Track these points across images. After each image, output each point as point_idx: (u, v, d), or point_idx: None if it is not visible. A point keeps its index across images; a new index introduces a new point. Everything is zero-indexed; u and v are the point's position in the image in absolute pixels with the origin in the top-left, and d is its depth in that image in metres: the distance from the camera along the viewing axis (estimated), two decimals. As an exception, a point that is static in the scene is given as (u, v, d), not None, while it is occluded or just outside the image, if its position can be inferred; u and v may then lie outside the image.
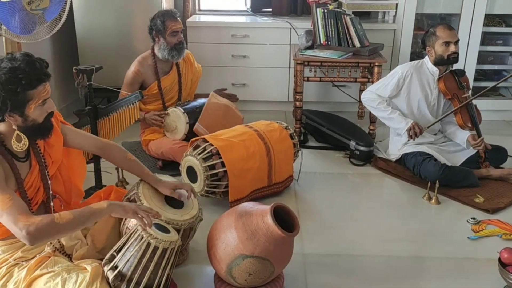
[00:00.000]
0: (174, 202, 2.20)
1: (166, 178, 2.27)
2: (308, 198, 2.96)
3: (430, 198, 2.89)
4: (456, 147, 3.26)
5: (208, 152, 2.67)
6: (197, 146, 2.73)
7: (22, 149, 1.83)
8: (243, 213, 2.00)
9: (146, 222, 1.87)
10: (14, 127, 1.79)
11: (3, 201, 1.68)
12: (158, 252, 1.86)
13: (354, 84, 4.06)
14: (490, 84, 3.59)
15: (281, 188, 2.94)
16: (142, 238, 1.87)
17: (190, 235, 2.21)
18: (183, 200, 2.21)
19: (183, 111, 3.12)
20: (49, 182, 1.94)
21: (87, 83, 2.71)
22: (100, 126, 2.78)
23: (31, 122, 1.80)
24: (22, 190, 1.83)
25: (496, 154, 3.24)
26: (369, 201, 2.97)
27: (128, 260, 1.85)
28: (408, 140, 3.17)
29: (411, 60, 4.01)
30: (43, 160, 1.92)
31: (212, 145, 2.68)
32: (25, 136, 1.82)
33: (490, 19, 4.11)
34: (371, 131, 3.75)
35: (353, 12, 4.06)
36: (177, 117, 3.15)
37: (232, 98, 3.54)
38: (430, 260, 2.40)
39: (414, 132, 3.11)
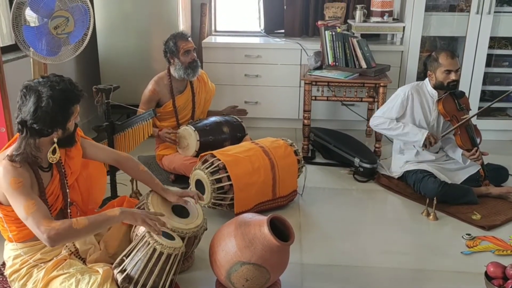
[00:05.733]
0: (181, 212, 2.36)
1: (173, 188, 2.43)
2: (311, 211, 3.09)
3: (428, 214, 2.99)
4: (458, 165, 3.31)
5: (215, 167, 2.83)
6: (206, 161, 2.90)
7: (54, 160, 2.03)
8: (242, 223, 2.16)
9: (156, 230, 2.05)
10: (55, 139, 2.00)
11: (29, 206, 1.88)
12: (163, 258, 2.03)
13: (363, 103, 4.18)
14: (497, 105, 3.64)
15: (285, 202, 3.07)
16: (149, 244, 2.03)
17: (195, 243, 2.37)
18: (188, 209, 2.38)
19: (194, 129, 3.25)
20: (68, 190, 2.13)
21: (105, 101, 2.89)
22: (116, 140, 2.98)
23: (67, 133, 2.02)
24: (44, 198, 2.02)
25: (497, 173, 3.31)
26: (370, 216, 3.08)
27: (135, 264, 2.02)
28: (423, 149, 3.24)
29: (417, 80, 4.14)
30: (63, 171, 2.12)
31: (220, 160, 2.84)
32: (59, 149, 2.03)
33: (497, 41, 4.21)
34: (376, 149, 3.86)
35: (362, 34, 4.22)
36: (189, 135, 3.28)
37: (242, 113, 3.72)
38: (424, 272, 2.50)
39: (429, 142, 3.16)
